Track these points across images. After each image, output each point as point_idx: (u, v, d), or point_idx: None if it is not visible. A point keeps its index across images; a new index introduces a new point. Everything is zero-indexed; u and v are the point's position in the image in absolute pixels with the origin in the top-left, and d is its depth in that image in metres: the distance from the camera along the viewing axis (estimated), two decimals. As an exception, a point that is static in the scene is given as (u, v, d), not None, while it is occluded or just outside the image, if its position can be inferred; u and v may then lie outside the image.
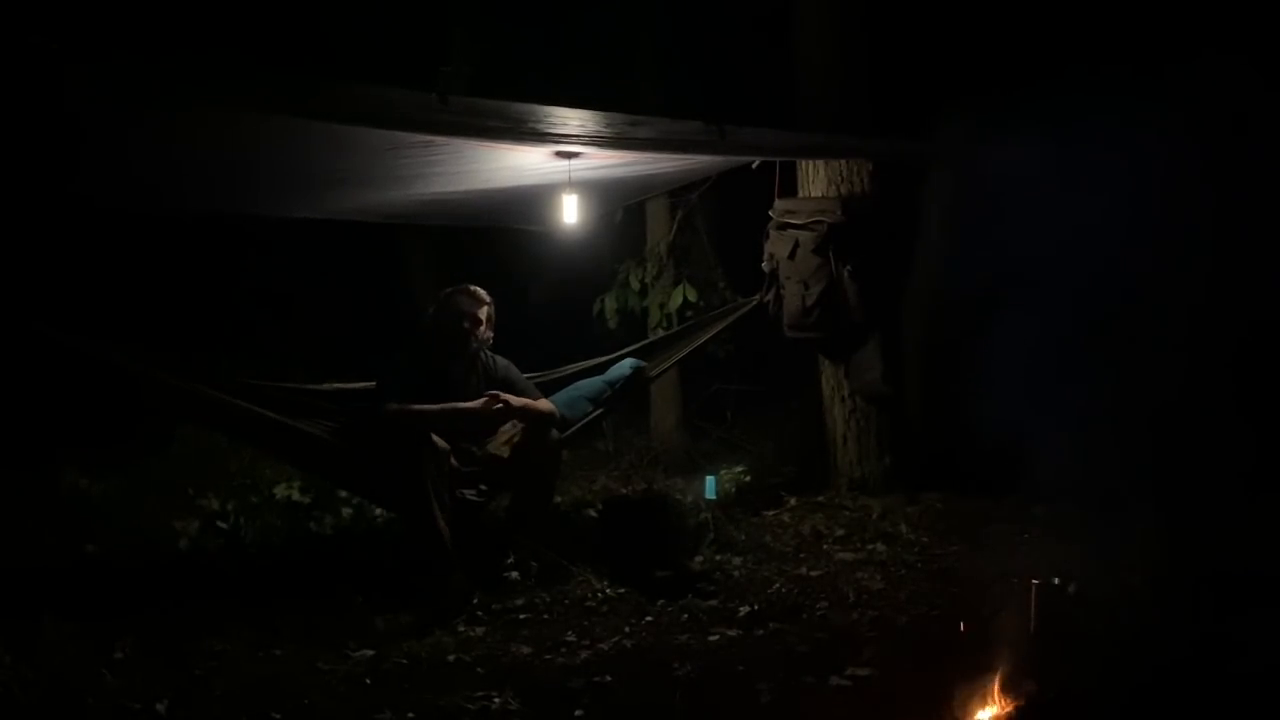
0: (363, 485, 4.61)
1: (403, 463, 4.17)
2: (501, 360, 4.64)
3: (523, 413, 4.44)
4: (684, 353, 5.59)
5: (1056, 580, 3.28)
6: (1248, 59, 4.75)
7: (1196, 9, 5.38)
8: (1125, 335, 4.97)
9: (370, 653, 3.68)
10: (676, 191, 6.47)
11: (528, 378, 4.74)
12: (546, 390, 4.80)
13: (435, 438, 4.23)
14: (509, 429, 4.52)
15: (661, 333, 6.25)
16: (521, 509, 4.53)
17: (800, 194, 5.90)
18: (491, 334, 4.59)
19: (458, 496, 4.34)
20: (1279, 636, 3.16)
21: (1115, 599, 3.64)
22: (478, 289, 4.55)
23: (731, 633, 3.93)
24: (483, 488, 4.50)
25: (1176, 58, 4.90)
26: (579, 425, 4.85)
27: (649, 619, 4.06)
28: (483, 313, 4.52)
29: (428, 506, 4.16)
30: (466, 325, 4.47)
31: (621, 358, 5.24)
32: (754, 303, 5.78)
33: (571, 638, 3.89)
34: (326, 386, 4.57)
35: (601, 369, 5.15)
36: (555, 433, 4.55)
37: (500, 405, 4.36)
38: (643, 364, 5.19)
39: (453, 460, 4.30)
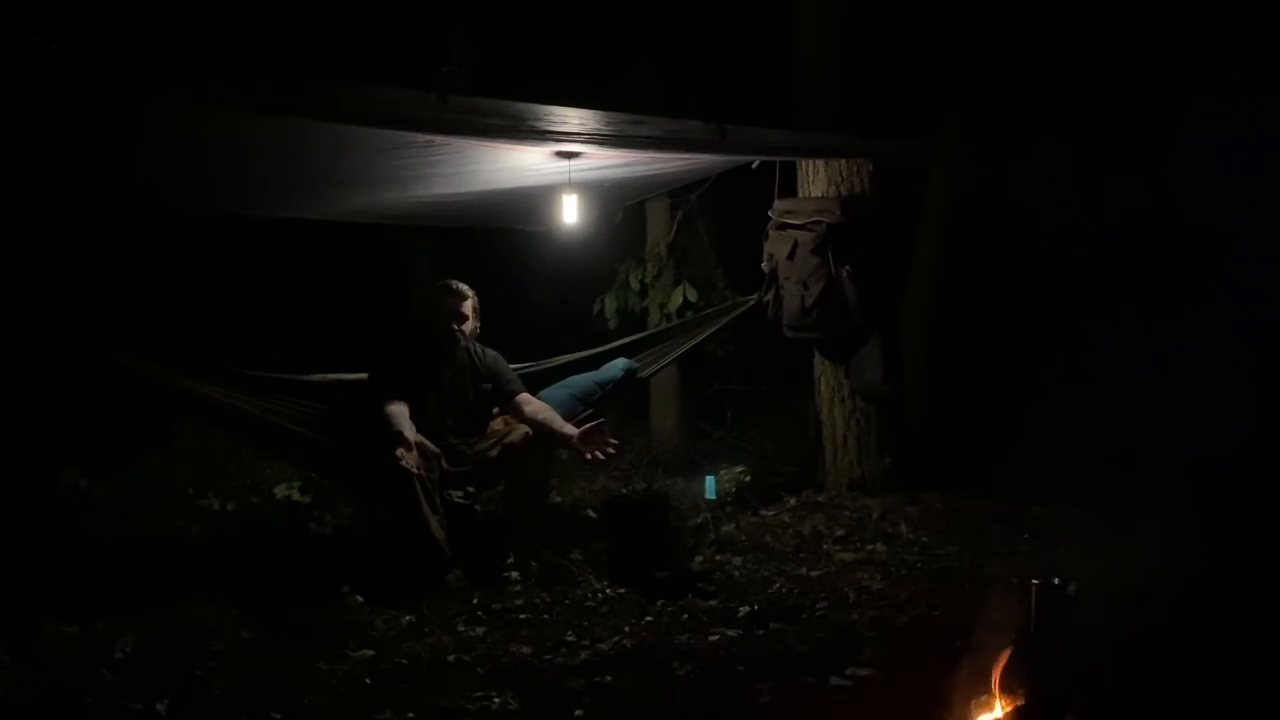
0: (355, 483, 4.62)
1: (393, 464, 4.16)
2: (490, 352, 4.66)
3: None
4: (679, 351, 5.59)
5: (1056, 580, 3.27)
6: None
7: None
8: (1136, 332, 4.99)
9: (370, 653, 3.67)
10: (676, 191, 6.47)
11: (517, 369, 4.74)
12: (535, 383, 4.82)
13: (426, 441, 4.25)
14: (500, 428, 4.53)
15: (657, 331, 6.25)
16: (515, 509, 4.54)
17: (800, 194, 5.90)
18: (478, 324, 4.61)
19: (444, 498, 4.34)
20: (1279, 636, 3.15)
21: (1115, 599, 3.63)
22: (459, 284, 4.55)
23: (731, 633, 3.92)
24: (470, 489, 4.51)
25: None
26: None
27: (649, 619, 4.06)
28: (467, 307, 4.53)
29: (418, 506, 4.18)
30: (454, 325, 4.49)
31: (614, 352, 5.23)
32: (751, 302, 5.78)
33: (571, 638, 3.88)
34: (318, 377, 4.57)
35: (592, 361, 5.15)
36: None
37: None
38: (634, 365, 5.20)
39: (443, 463, 4.31)
